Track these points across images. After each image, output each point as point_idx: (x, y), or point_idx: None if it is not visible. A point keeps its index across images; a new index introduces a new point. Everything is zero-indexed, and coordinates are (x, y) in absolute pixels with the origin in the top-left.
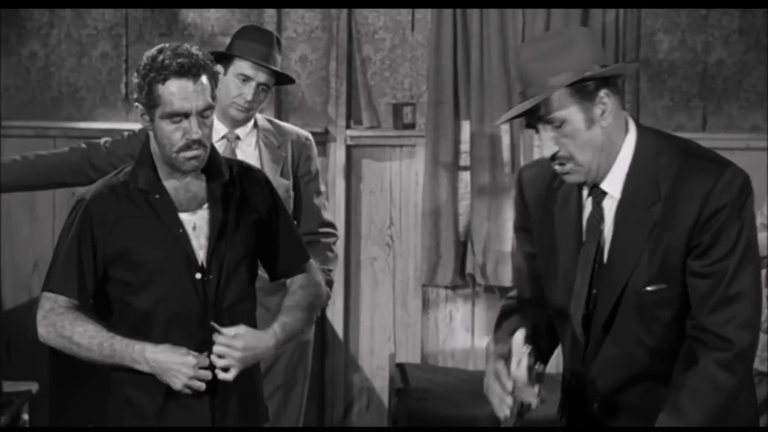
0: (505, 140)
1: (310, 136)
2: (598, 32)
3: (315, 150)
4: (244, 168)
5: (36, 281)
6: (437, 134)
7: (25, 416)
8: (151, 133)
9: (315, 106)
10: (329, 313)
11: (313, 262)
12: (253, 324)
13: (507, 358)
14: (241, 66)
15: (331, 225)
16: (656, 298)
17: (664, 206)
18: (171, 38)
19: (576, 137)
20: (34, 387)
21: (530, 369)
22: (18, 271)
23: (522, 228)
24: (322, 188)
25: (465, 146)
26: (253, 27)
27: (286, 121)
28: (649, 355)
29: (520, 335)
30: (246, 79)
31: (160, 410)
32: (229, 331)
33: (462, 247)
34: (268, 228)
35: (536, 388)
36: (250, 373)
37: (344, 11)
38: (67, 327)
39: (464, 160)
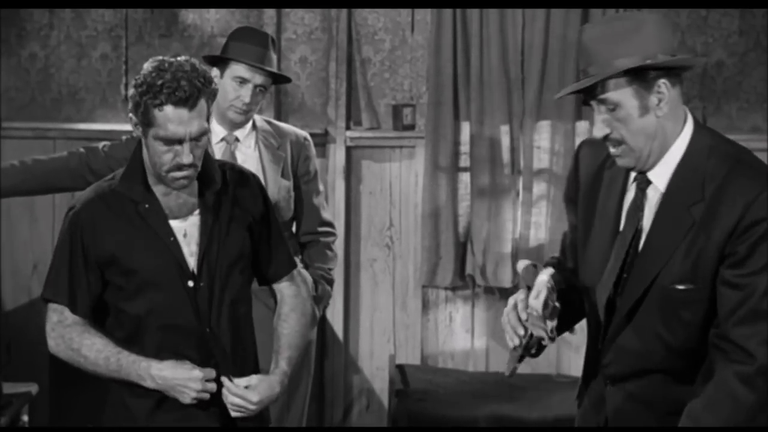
0: (505, 141)
1: (309, 137)
2: (669, 18)
3: (313, 150)
4: (237, 172)
5: (36, 283)
6: (437, 135)
7: (25, 417)
8: (143, 141)
9: (315, 107)
10: (329, 314)
11: (302, 271)
12: (249, 325)
13: (529, 289)
14: (237, 69)
15: (331, 224)
16: (683, 298)
17: (706, 208)
18: (171, 39)
19: (628, 122)
20: (33, 388)
21: (546, 302)
22: (18, 272)
23: (570, 199)
24: (321, 188)
25: (465, 147)
26: (247, 28)
27: (286, 122)
28: (666, 351)
29: (547, 272)
30: (243, 81)
31: (153, 413)
32: (241, 381)
33: (462, 248)
34: (260, 233)
35: (549, 325)
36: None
37: (344, 12)
38: (75, 340)
39: (464, 161)
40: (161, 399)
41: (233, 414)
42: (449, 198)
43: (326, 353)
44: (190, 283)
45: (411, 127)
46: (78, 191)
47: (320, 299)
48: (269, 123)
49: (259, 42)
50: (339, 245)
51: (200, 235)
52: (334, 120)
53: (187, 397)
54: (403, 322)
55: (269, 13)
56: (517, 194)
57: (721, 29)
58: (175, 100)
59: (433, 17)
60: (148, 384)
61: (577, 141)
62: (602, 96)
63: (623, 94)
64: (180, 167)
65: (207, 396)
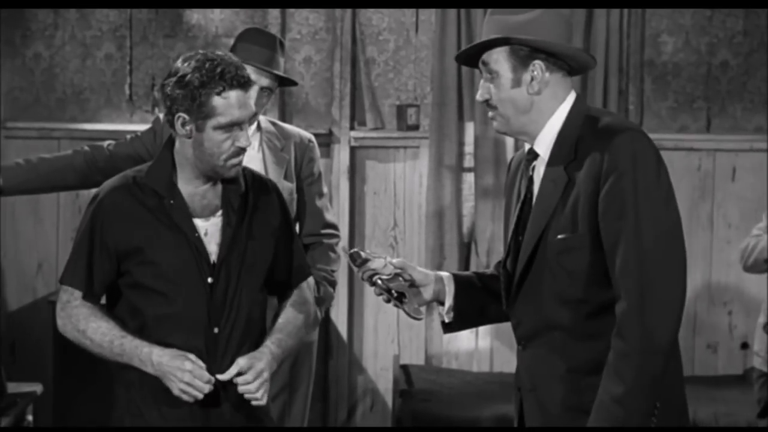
0: (509, 142)
1: (313, 138)
2: (578, 23)
3: (317, 152)
4: (257, 178)
5: (40, 282)
6: (441, 136)
7: (30, 417)
8: (185, 141)
9: (319, 107)
10: (333, 315)
11: (311, 281)
12: (261, 328)
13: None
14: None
15: (334, 226)
16: (564, 246)
17: (577, 164)
18: (175, 39)
19: (501, 91)
20: (38, 388)
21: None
22: (22, 272)
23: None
24: (325, 190)
25: (469, 148)
26: (255, 30)
27: (290, 122)
28: (557, 304)
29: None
30: None
31: (158, 414)
32: (231, 372)
33: (466, 248)
34: (278, 240)
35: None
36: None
37: (348, 13)
38: (81, 321)
39: (468, 161)
40: (166, 400)
41: (254, 404)
42: (453, 198)
43: (331, 353)
44: (210, 280)
45: (415, 127)
46: (83, 190)
47: (322, 301)
48: (274, 124)
49: (266, 44)
50: (343, 245)
51: (222, 235)
52: (339, 120)
53: (174, 387)
54: (407, 323)
55: (274, 14)
56: None
57: (725, 30)
58: (240, 82)
59: (438, 17)
60: (148, 369)
61: None
62: (486, 66)
63: (500, 65)
64: (238, 152)
65: (196, 393)
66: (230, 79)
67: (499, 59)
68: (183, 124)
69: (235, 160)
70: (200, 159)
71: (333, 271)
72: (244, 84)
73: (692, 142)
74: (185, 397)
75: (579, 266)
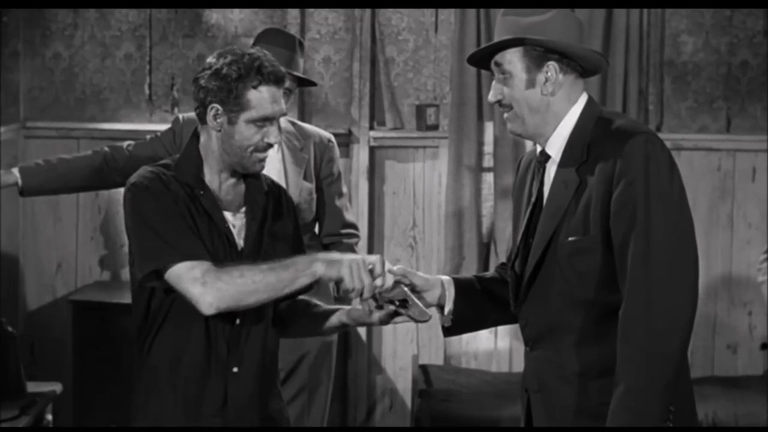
0: (529, 141)
1: (333, 138)
2: (598, 23)
3: (337, 152)
4: (275, 185)
5: (59, 282)
6: (460, 135)
7: (49, 417)
8: (212, 134)
9: (338, 107)
10: None
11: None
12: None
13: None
14: None
15: (354, 226)
16: (575, 248)
17: (588, 166)
18: (195, 39)
19: (514, 91)
20: (57, 387)
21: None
22: (42, 272)
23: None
24: (345, 190)
25: (488, 147)
26: (275, 30)
27: (310, 122)
28: (566, 306)
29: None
30: None
31: (182, 414)
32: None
33: (485, 248)
34: (292, 247)
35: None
36: (271, 377)
37: (368, 12)
38: (233, 272)
39: (488, 161)
40: (186, 401)
41: (420, 317)
42: (473, 198)
43: (349, 353)
44: None
45: (434, 127)
46: (102, 190)
47: (341, 300)
48: (293, 124)
49: (285, 45)
50: (362, 246)
51: (247, 230)
52: (358, 120)
53: (348, 276)
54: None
55: (293, 13)
56: None
57: (745, 29)
58: (276, 78)
59: (457, 17)
60: (317, 269)
61: None
62: (498, 63)
63: (514, 66)
64: (266, 147)
65: (366, 281)
66: (267, 74)
67: (513, 60)
68: (215, 116)
69: (261, 155)
70: (228, 152)
71: None
72: (280, 80)
73: (712, 142)
74: (355, 290)
75: (589, 268)
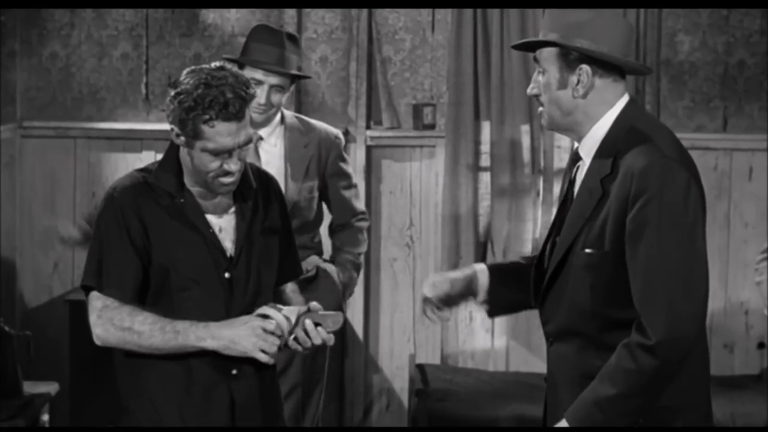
0: (525, 141)
1: (340, 134)
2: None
3: (344, 148)
4: (263, 174)
5: (56, 282)
6: (457, 135)
7: (45, 417)
8: (183, 149)
9: (335, 106)
10: (349, 314)
11: (327, 266)
12: None
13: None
14: (252, 70)
15: (363, 213)
16: (588, 261)
17: (612, 180)
18: (191, 39)
19: (548, 90)
20: (54, 388)
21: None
22: (39, 271)
23: None
24: (354, 182)
25: (485, 147)
26: (262, 27)
27: None
28: (577, 313)
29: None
30: (258, 82)
31: (176, 413)
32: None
33: (482, 248)
34: (280, 237)
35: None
36: (271, 376)
37: (364, 12)
38: (126, 319)
39: (484, 160)
40: (183, 400)
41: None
42: (470, 198)
43: (346, 353)
44: (227, 275)
45: (431, 126)
46: None
47: (346, 286)
48: (300, 119)
49: (274, 42)
50: None
51: (236, 231)
52: (355, 119)
53: (248, 346)
54: (423, 322)
55: (290, 13)
56: (538, 194)
57: (742, 29)
58: (226, 116)
59: (454, 17)
60: (208, 344)
61: None
62: (537, 59)
63: (549, 64)
64: (227, 173)
65: (272, 344)
66: (217, 111)
67: (549, 58)
68: (177, 136)
69: (225, 180)
70: (195, 174)
71: (359, 254)
72: (232, 117)
73: (709, 142)
74: (263, 358)
75: (599, 282)
